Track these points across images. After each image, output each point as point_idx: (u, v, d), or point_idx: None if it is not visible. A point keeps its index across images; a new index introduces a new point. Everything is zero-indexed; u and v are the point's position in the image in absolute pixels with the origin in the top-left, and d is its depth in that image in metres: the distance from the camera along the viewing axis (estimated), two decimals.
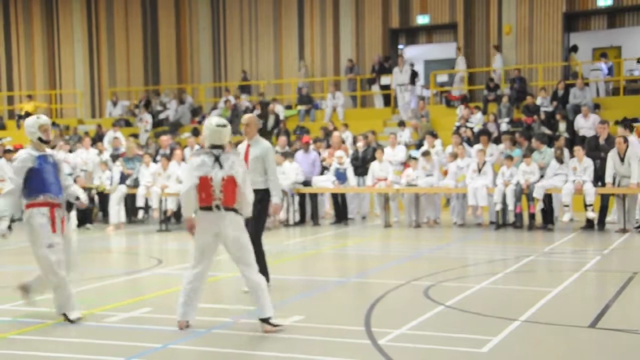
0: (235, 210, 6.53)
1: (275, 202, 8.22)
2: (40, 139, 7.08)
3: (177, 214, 15.74)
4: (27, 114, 23.82)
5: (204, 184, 6.41)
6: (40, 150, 7.11)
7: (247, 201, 6.63)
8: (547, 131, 17.88)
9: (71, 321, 6.92)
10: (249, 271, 6.50)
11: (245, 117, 8.40)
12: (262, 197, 8.15)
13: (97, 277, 9.57)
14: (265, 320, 6.44)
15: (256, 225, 8.14)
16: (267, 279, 8.38)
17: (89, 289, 8.66)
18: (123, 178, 15.91)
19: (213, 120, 6.59)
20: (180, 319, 6.53)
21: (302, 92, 23.11)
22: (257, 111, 21.86)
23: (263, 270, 8.25)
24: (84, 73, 26.90)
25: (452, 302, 7.58)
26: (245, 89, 24.30)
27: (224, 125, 6.55)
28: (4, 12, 27.54)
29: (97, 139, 20.03)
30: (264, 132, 20.48)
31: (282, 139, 17.38)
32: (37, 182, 6.96)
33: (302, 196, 15.74)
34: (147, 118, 22.66)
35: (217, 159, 6.44)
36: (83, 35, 26.76)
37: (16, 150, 19.50)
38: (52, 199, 6.98)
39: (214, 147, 6.51)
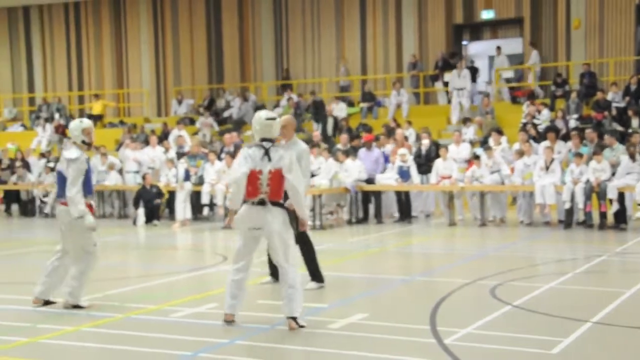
0: (281, 205, 6.51)
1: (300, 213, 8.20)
2: (83, 142, 7.49)
3: None
4: (96, 116, 24.51)
5: (252, 177, 6.42)
6: (83, 151, 7.51)
7: (298, 194, 6.48)
8: (619, 127, 17.36)
9: (82, 307, 7.33)
10: (288, 268, 6.45)
11: (283, 119, 8.29)
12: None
13: (164, 273, 9.72)
14: (292, 318, 6.41)
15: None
16: (322, 278, 8.37)
17: (156, 285, 8.80)
18: (188, 175, 16.14)
19: (262, 114, 6.61)
20: (227, 312, 6.57)
21: (365, 89, 23.05)
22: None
23: (315, 268, 8.26)
24: (150, 73, 27.43)
25: (520, 302, 7.41)
26: (286, 88, 24.31)
27: (274, 119, 6.58)
28: (75, 16, 28.31)
29: (163, 137, 20.36)
30: (325, 138, 20.08)
31: (344, 136, 17.34)
32: (83, 184, 7.36)
33: (365, 194, 15.68)
34: (210, 121, 22.72)
35: (266, 152, 6.45)
36: (149, 37, 27.28)
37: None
38: (90, 199, 7.49)
39: (263, 140, 6.52)
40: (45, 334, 6.45)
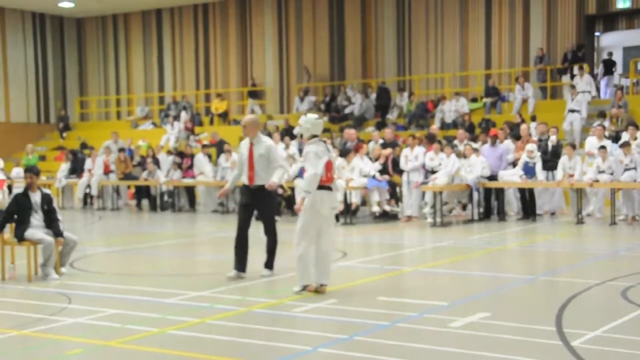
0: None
1: (273, 179, 8.72)
2: None
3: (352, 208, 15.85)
4: (221, 114, 25.27)
5: (329, 166, 7.74)
6: None
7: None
8: None
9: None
10: (324, 239, 7.78)
11: (245, 119, 9.01)
12: (269, 191, 8.88)
13: (286, 268, 9.86)
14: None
15: (270, 217, 9.15)
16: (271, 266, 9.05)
17: (278, 279, 8.96)
18: None
19: (311, 115, 7.96)
20: (310, 284, 7.83)
21: (489, 84, 22.53)
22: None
23: (271, 255, 9.08)
24: (274, 70, 27.95)
25: None
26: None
27: (321, 118, 8.04)
28: (203, 17, 29.28)
29: (285, 133, 20.69)
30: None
31: (461, 132, 17.04)
32: None
33: (487, 191, 15.31)
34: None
35: (325, 145, 7.82)
36: (274, 35, 27.79)
37: (212, 145, 20.71)
38: None
39: (314, 136, 7.85)
40: (173, 325, 6.71)
